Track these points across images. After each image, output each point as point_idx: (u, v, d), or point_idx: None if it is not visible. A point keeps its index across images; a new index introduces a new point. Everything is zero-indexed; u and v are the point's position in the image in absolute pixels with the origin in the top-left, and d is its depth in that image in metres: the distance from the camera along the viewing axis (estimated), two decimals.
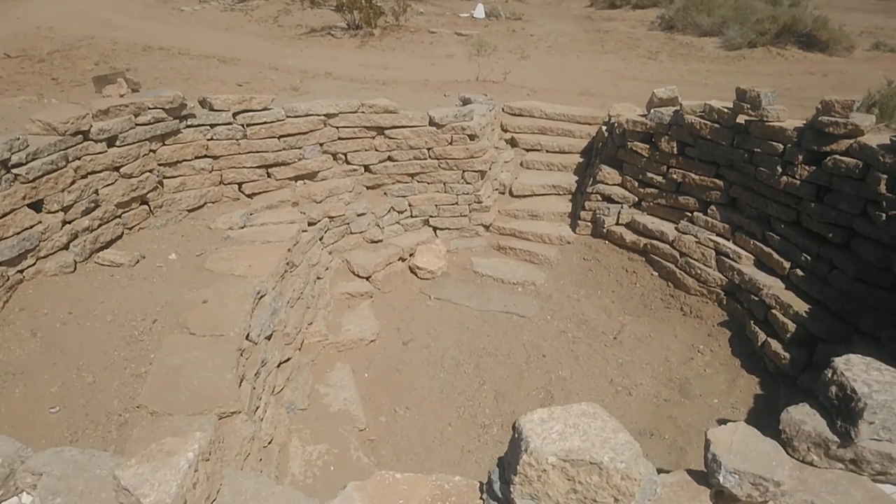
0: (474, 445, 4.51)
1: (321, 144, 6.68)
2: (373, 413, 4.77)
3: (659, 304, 5.94)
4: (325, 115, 6.61)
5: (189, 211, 5.99)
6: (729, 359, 5.16)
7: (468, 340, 5.61)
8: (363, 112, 6.74)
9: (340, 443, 4.38)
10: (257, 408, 4.14)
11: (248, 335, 4.32)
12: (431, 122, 6.89)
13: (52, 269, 4.67)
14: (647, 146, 6.52)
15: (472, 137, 7.00)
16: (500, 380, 5.11)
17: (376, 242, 6.68)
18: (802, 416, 2.28)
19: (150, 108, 5.54)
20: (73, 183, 4.91)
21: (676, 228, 6.16)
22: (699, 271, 5.80)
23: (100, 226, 5.16)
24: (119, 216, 5.39)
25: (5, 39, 16.79)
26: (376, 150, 6.89)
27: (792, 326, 4.85)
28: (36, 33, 17.65)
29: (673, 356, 5.32)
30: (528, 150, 8.40)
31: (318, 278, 5.90)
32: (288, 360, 4.84)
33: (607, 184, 6.97)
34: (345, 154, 6.83)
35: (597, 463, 1.72)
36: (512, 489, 1.83)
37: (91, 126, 5.05)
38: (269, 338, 4.60)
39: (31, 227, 4.55)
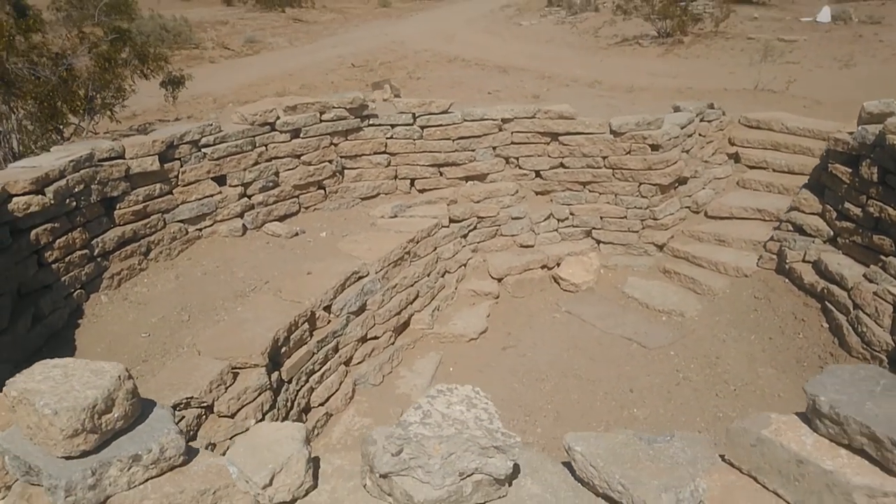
0: None
1: (494, 148, 6.94)
2: None
3: (814, 362, 4.89)
4: (500, 120, 6.85)
5: (363, 199, 6.82)
6: None
7: (567, 358, 5.37)
8: (538, 118, 6.80)
9: (384, 422, 4.68)
10: (313, 371, 4.68)
11: (328, 307, 4.89)
12: (610, 130, 6.63)
13: (224, 231, 5.86)
14: (850, 171, 5.33)
15: (654, 148, 6.55)
16: (569, 404, 4.82)
17: (527, 247, 6.70)
18: (388, 431, 2.01)
19: (334, 108, 6.46)
20: (255, 164, 6.05)
21: (864, 275, 4.95)
22: (866, 329, 4.60)
23: (275, 202, 6.25)
24: (296, 196, 6.44)
25: (361, 52, 20.35)
26: (549, 156, 6.90)
27: None
28: (387, 47, 20.97)
29: None
30: (751, 167, 7.48)
31: (448, 272, 6.21)
32: (375, 338, 5.29)
33: (803, 212, 5.89)
34: (517, 158, 6.99)
35: (32, 403, 1.82)
36: None
37: (277, 119, 6.14)
38: (356, 314, 5.11)
39: (212, 195, 5.78)
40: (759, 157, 7.34)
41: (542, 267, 6.53)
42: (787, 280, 5.69)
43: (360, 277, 5.24)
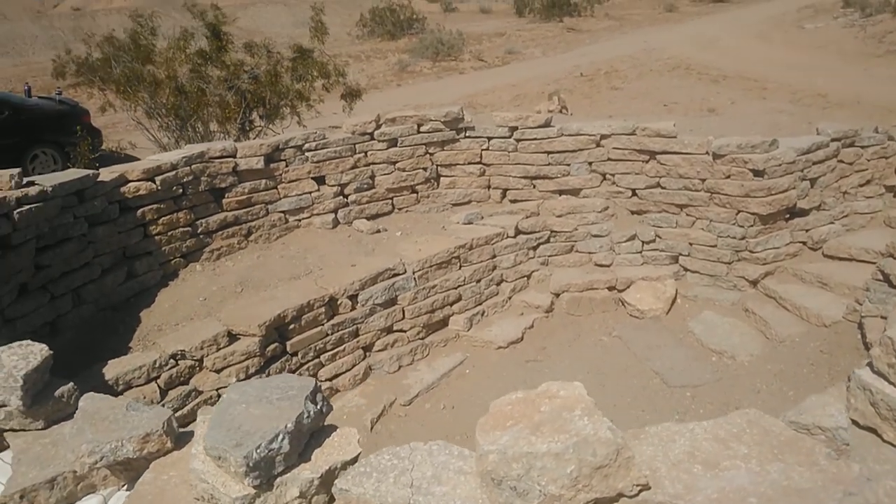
0: None
1: (590, 163, 6.88)
2: (425, 401, 5.28)
3: None
4: (598, 136, 6.78)
5: (454, 205, 7.29)
6: None
7: (578, 379, 5.18)
8: (636, 135, 6.60)
9: (375, 405, 5.18)
10: (324, 350, 5.37)
11: (354, 296, 5.55)
12: (709, 151, 6.20)
13: (318, 224, 6.82)
14: None
15: (756, 173, 5.98)
16: None
17: (602, 266, 6.53)
18: None
19: (431, 120, 7.05)
20: (353, 168, 6.91)
21: None
22: None
23: (368, 202, 7.05)
24: (390, 198, 7.16)
25: (600, 61, 20.54)
26: (646, 174, 6.64)
27: None
28: (631, 55, 20.87)
29: None
30: None
31: (504, 281, 6.40)
32: (401, 331, 5.78)
33: None
34: (613, 175, 6.83)
35: None
36: None
37: (374, 130, 6.92)
38: (383, 306, 5.68)
39: (310, 192, 6.76)
40: None
41: (610, 288, 6.33)
42: (859, 336, 4.81)
43: (396, 274, 5.76)
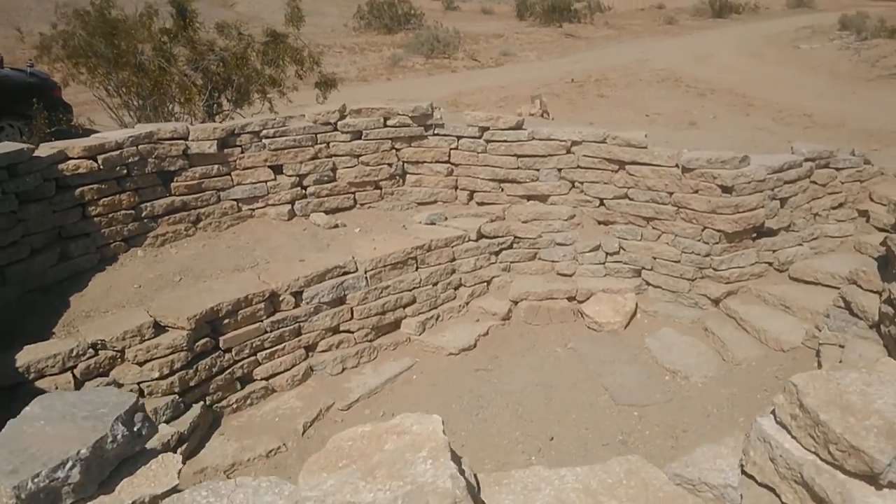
0: None
1: (559, 170, 6.66)
2: (365, 406, 5.05)
3: None
4: (569, 142, 6.56)
5: (419, 204, 7.05)
6: None
7: (527, 393, 5.03)
8: (607, 143, 6.39)
9: (312, 407, 4.95)
10: (262, 347, 5.12)
11: (298, 293, 5.30)
12: (678, 164, 6.00)
13: (273, 214, 6.56)
14: None
15: (725, 189, 5.78)
16: (480, 436, 4.55)
17: (564, 276, 6.32)
18: None
19: (398, 115, 6.80)
20: (313, 158, 6.64)
21: None
22: None
23: (328, 195, 6.79)
24: (352, 192, 6.90)
25: (593, 68, 20.33)
26: (615, 184, 6.43)
27: None
28: (625, 64, 20.70)
29: None
30: (879, 230, 6.13)
31: (462, 285, 6.17)
32: (348, 331, 5.54)
33: (860, 286, 4.71)
34: (581, 183, 6.62)
35: None
36: None
37: (338, 120, 6.67)
38: (330, 305, 5.44)
39: (265, 181, 6.50)
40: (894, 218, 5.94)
41: (570, 298, 6.12)
42: (816, 364, 4.63)
43: (346, 273, 5.52)
